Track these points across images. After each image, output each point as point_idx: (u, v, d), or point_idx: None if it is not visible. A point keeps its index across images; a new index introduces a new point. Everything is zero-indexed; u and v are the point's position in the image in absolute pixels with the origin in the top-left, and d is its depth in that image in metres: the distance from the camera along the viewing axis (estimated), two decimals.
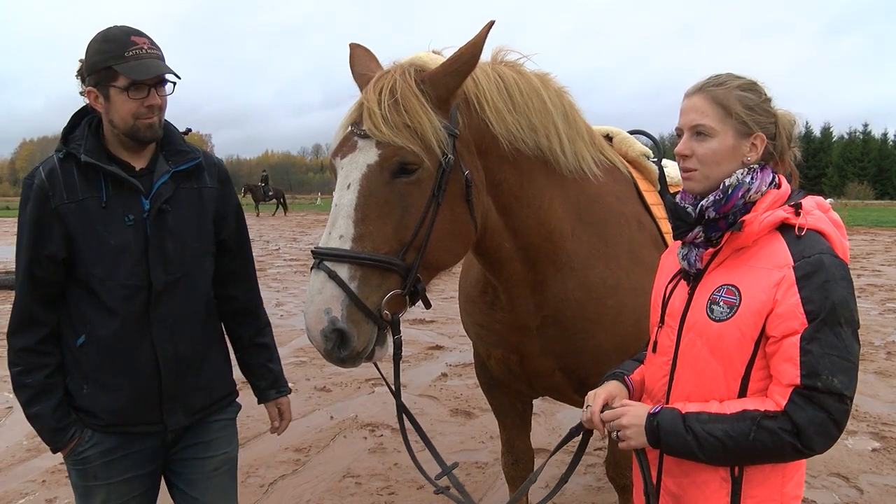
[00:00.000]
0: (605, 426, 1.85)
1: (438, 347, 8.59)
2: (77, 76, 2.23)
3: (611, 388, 1.94)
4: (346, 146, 2.07)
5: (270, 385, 2.60)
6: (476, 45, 2.05)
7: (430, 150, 2.00)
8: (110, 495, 2.25)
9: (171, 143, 2.32)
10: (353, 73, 2.34)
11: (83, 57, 2.19)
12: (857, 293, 9.86)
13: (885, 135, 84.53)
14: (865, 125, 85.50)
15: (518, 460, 3.27)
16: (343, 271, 1.92)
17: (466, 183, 2.11)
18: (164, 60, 2.19)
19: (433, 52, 2.24)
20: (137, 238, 2.19)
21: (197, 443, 2.41)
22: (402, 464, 4.93)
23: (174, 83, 2.23)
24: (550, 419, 5.87)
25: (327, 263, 1.93)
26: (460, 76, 2.09)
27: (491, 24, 2.09)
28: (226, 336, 2.57)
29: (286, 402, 2.65)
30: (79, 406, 2.24)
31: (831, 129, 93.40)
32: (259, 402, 2.64)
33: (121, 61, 2.09)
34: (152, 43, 2.17)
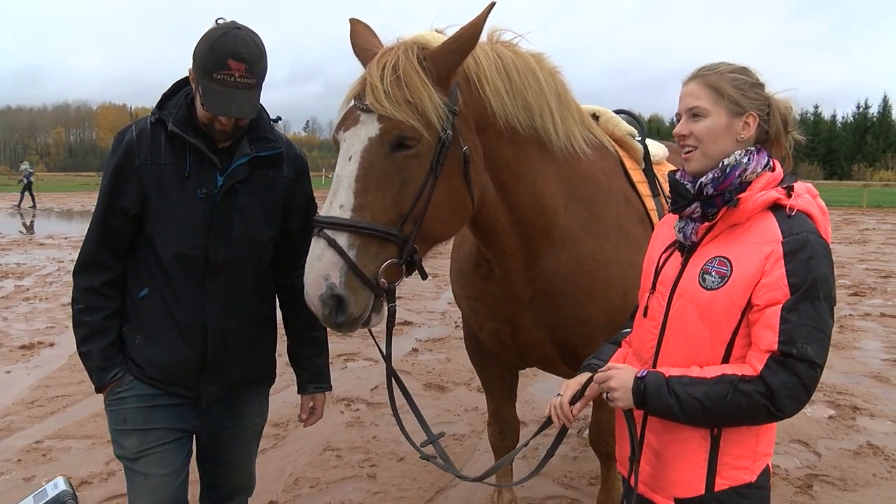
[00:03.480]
0: (596, 378, 1.96)
1: (407, 323, 8.67)
2: None
3: (582, 380, 2.06)
4: (348, 120, 2.12)
5: (312, 379, 2.64)
6: (476, 26, 2.11)
7: (430, 125, 2.06)
8: (140, 440, 2.31)
9: (259, 128, 2.36)
10: (354, 47, 2.37)
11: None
12: None
13: (833, 117, 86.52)
14: (816, 107, 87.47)
15: (504, 430, 3.38)
16: (342, 239, 1.98)
17: (465, 159, 2.18)
18: (255, 88, 2.19)
19: (436, 31, 2.28)
20: (206, 212, 2.26)
21: (230, 412, 2.48)
22: (381, 437, 5.01)
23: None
24: (522, 392, 5.97)
25: (327, 231, 1.99)
26: (460, 55, 2.14)
27: (492, 5, 2.13)
28: (277, 322, 2.61)
29: (322, 398, 2.68)
30: (128, 354, 2.34)
31: None
32: (297, 392, 2.67)
33: (207, 80, 2.12)
34: (249, 69, 2.14)
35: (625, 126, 3.09)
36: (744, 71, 1.93)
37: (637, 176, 2.95)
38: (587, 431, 3.41)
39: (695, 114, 1.90)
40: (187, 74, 2.28)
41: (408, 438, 2.37)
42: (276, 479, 4.32)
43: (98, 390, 2.35)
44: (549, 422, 2.15)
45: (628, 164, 2.96)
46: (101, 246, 2.29)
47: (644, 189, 2.93)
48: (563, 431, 2.16)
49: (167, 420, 2.35)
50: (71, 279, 2.39)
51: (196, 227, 2.26)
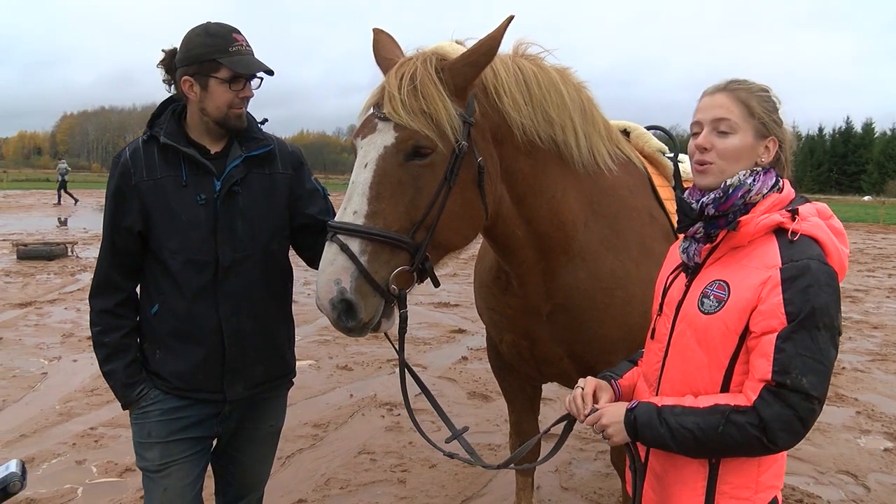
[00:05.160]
0: (587, 421, 1.94)
1: (461, 331, 8.71)
2: (160, 66, 2.41)
3: (602, 382, 2.05)
4: (366, 128, 2.17)
5: None
6: (494, 39, 2.13)
7: (444, 135, 2.09)
8: (163, 452, 2.40)
9: (247, 130, 2.47)
10: (376, 57, 2.42)
11: (169, 48, 2.38)
12: (886, 293, 9.63)
13: None
14: None
15: (524, 443, 3.36)
16: (354, 245, 2.02)
17: (479, 169, 2.19)
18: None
19: (456, 42, 2.31)
20: (208, 216, 2.35)
21: (248, 414, 2.57)
22: (417, 442, 5.05)
23: (261, 78, 2.41)
24: (563, 403, 5.94)
25: (340, 237, 2.03)
26: (478, 67, 2.17)
27: (510, 18, 2.16)
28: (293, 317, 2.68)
29: None
30: (150, 369, 2.43)
31: (873, 125, 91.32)
32: None
33: (225, 56, 2.30)
34: (247, 40, 2.37)
35: (655, 142, 3.05)
36: (768, 91, 1.86)
37: (666, 193, 2.90)
38: None
39: (722, 129, 1.81)
40: (173, 93, 2.41)
41: (426, 438, 2.37)
42: (307, 479, 4.42)
43: (124, 407, 2.44)
44: (568, 415, 2.13)
45: (657, 180, 2.91)
46: (112, 267, 2.39)
47: (672, 206, 2.87)
48: (561, 441, 2.20)
49: (190, 430, 2.43)
50: None
51: (202, 233, 2.34)
